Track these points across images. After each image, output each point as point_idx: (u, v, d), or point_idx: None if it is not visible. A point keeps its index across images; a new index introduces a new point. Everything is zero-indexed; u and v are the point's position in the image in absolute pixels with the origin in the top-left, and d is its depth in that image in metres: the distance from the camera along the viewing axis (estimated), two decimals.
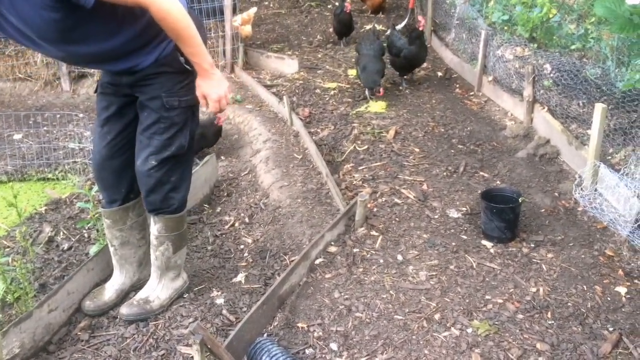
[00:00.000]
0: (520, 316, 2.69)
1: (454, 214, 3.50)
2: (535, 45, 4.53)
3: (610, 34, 3.90)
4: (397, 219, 3.46)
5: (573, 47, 4.35)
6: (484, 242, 3.24)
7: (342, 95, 5.24)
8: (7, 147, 4.77)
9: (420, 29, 5.17)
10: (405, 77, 5.44)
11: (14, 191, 3.81)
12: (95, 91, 2.66)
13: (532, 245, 3.20)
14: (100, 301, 2.81)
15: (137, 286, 2.91)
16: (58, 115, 5.23)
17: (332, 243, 3.22)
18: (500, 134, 4.48)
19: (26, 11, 2.05)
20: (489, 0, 5.40)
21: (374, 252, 3.17)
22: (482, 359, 2.46)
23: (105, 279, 2.96)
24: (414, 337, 2.58)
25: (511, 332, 2.60)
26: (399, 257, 3.12)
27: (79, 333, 2.69)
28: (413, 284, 2.92)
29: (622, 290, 2.84)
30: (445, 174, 3.92)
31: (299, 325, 2.68)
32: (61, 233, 3.50)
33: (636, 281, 2.90)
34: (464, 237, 3.30)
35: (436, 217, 3.47)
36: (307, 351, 2.53)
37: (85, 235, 3.46)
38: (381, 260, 3.10)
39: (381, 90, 4.95)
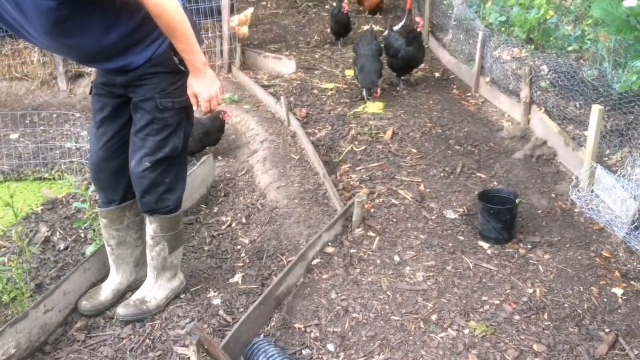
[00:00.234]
0: (517, 317, 2.69)
1: (451, 214, 3.51)
2: (533, 46, 4.53)
3: (607, 35, 3.91)
4: (394, 219, 3.46)
5: (570, 48, 4.36)
6: (481, 243, 3.25)
7: (340, 96, 5.24)
8: (4, 147, 4.76)
9: (419, 29, 5.18)
10: (402, 77, 5.45)
11: (10, 191, 3.80)
12: (90, 92, 2.65)
13: (529, 246, 3.20)
14: (96, 301, 2.80)
15: (133, 286, 2.91)
16: (54, 115, 5.21)
17: (329, 244, 3.22)
18: (497, 135, 4.48)
19: None
20: (486, 1, 5.41)
21: (371, 252, 3.17)
22: None
23: (102, 279, 2.96)
24: (410, 337, 2.59)
25: (508, 333, 2.60)
26: (396, 258, 3.12)
27: (75, 333, 2.69)
28: (410, 285, 2.92)
29: (618, 291, 2.85)
30: (442, 174, 3.93)
31: (296, 325, 2.67)
32: (57, 233, 3.49)
33: (632, 282, 2.91)
34: (461, 238, 3.30)
35: (433, 218, 3.48)
36: (303, 352, 2.53)
37: (82, 235, 3.45)
38: (378, 261, 3.10)
39: (378, 90, 4.96)
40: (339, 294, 2.86)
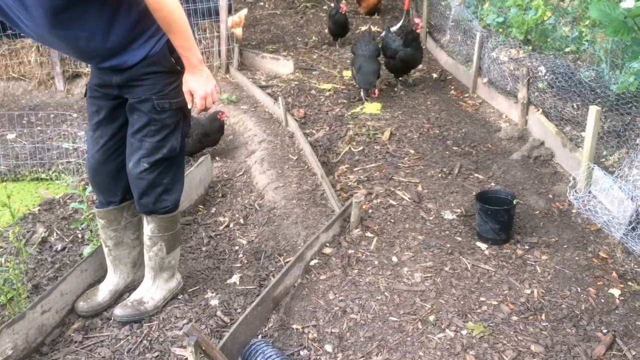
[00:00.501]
0: (515, 318, 2.69)
1: (448, 215, 3.51)
2: (530, 47, 4.54)
3: (605, 36, 3.92)
4: (392, 220, 3.46)
5: (567, 49, 4.37)
6: (479, 243, 3.25)
7: (337, 97, 5.25)
8: (1, 147, 4.75)
9: (418, 31, 5.18)
10: (400, 78, 5.45)
11: (7, 191, 3.79)
12: (85, 95, 2.63)
13: (527, 247, 3.20)
14: (94, 302, 2.80)
15: (131, 287, 2.90)
16: (52, 115, 5.21)
17: (327, 244, 3.22)
18: (494, 136, 4.49)
19: None
20: (484, 2, 5.42)
21: (368, 253, 3.17)
22: None
23: (99, 279, 2.95)
24: (408, 338, 2.58)
25: (505, 333, 2.60)
26: (394, 259, 3.12)
27: (73, 334, 2.68)
28: (408, 286, 2.92)
29: (615, 292, 2.85)
30: (440, 175, 3.93)
31: (294, 326, 2.67)
32: (55, 233, 3.48)
33: (630, 283, 2.91)
34: (459, 238, 3.30)
35: (431, 218, 3.48)
36: (301, 353, 2.53)
37: (79, 235, 3.45)
38: (376, 262, 3.10)
39: (376, 91, 4.96)
40: (337, 295, 2.86)
